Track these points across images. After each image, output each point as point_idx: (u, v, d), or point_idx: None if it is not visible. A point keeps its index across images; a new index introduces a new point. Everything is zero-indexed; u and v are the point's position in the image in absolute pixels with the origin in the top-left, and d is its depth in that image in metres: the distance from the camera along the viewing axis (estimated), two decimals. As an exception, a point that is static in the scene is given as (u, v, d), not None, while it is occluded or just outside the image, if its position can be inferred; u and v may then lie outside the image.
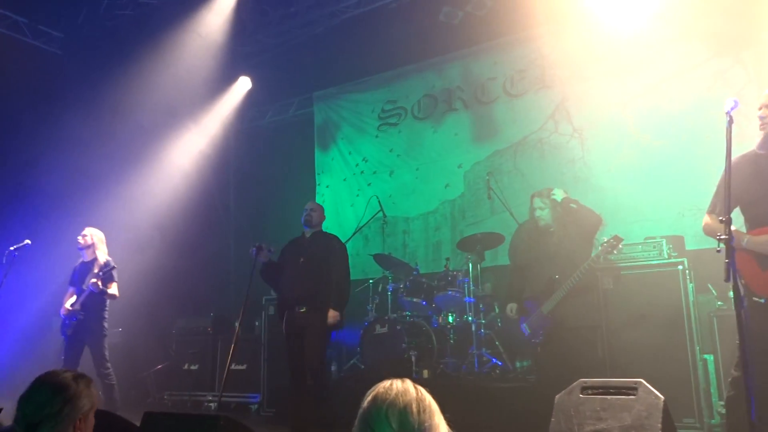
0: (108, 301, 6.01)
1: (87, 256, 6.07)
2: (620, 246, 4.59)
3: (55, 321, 7.85)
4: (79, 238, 6.08)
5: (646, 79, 6.71)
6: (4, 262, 5.79)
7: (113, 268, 5.98)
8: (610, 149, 6.82)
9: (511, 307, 4.92)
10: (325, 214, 7.94)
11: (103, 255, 6.02)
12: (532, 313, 4.77)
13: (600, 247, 4.56)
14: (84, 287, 5.81)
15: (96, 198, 7.76)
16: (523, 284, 4.94)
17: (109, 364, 5.88)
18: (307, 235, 5.42)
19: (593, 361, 4.47)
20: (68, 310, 5.87)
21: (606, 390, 2.47)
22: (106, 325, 5.99)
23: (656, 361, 4.70)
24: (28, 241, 5.93)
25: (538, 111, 7.43)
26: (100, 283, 5.77)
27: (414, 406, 1.57)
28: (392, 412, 1.56)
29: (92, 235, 6.12)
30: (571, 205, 4.77)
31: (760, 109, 3.02)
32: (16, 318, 6.61)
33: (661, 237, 5.32)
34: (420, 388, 1.65)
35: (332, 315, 5.07)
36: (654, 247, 5.17)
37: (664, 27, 6.58)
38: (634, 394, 2.37)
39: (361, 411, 1.61)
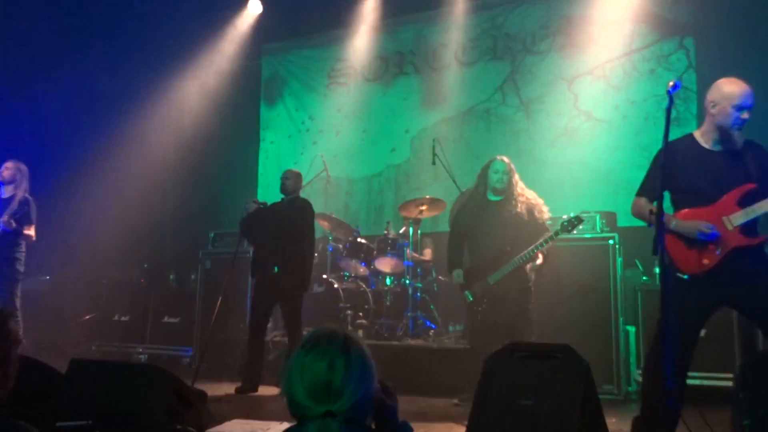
0: (23, 243, 5.70)
1: (6, 192, 5.72)
2: (580, 226, 4.60)
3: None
4: (3, 171, 5.72)
5: (593, 58, 6.84)
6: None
7: (31, 207, 5.67)
8: (554, 124, 6.96)
9: (458, 273, 4.84)
10: (269, 170, 7.88)
11: (23, 192, 5.70)
12: (476, 281, 4.74)
13: (560, 225, 4.52)
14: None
15: (35, 137, 7.44)
16: (463, 251, 4.93)
17: (18, 312, 5.60)
18: (284, 201, 5.61)
19: (524, 333, 4.57)
20: None
21: (534, 353, 2.56)
22: (20, 268, 5.68)
23: (582, 330, 4.89)
24: None
25: (487, 81, 7.48)
26: (13, 222, 5.47)
27: (336, 362, 1.44)
28: (309, 366, 1.44)
29: (17, 168, 5.76)
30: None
31: (743, 110, 3.07)
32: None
33: (596, 212, 5.49)
34: (351, 339, 1.52)
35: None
36: (588, 220, 5.32)
37: (615, 8, 6.72)
38: (560, 357, 2.47)
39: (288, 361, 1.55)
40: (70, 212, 7.55)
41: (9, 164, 5.78)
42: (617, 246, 5.19)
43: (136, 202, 8.25)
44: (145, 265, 7.79)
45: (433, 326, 6.18)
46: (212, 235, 7.27)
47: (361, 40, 8.22)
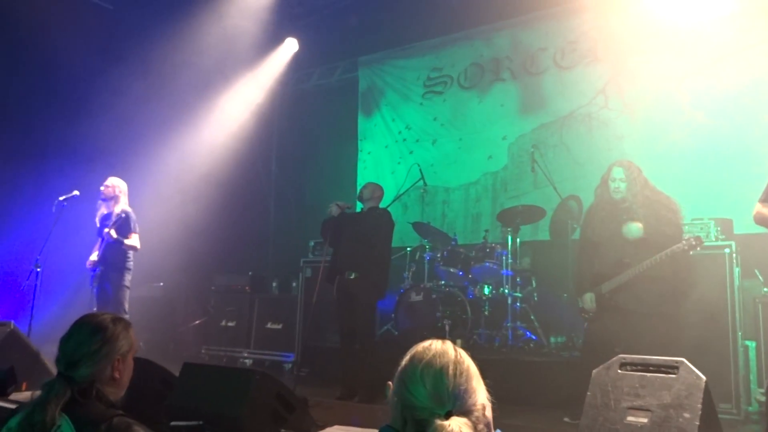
0: (130, 253, 6.02)
1: (110, 207, 6.07)
2: (698, 249, 4.19)
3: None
4: (102, 188, 6.07)
5: (702, 56, 6.45)
6: (53, 211, 5.93)
7: (130, 217, 5.98)
8: (660, 127, 6.62)
9: (591, 298, 4.45)
10: (367, 179, 7.96)
11: (120, 206, 6.03)
12: (591, 289, 4.48)
13: (681, 243, 4.16)
14: (104, 238, 5.89)
15: (142, 152, 7.90)
16: (593, 264, 4.58)
17: (127, 317, 5.88)
18: (364, 209, 5.73)
19: (638, 344, 4.30)
20: (92, 261, 5.97)
21: (646, 367, 2.42)
22: (128, 276, 6.00)
23: (697, 345, 4.59)
24: (76, 192, 6.04)
25: (587, 84, 7.23)
26: (113, 232, 5.78)
27: (451, 368, 1.52)
28: (428, 372, 1.52)
29: (115, 186, 6.10)
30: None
31: None
32: (64, 268, 6.81)
33: (709, 219, 5.16)
34: (460, 350, 1.60)
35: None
36: (701, 228, 5.02)
37: (724, 1, 6.31)
38: (675, 373, 2.32)
39: (398, 369, 1.59)
40: (182, 222, 7.95)
41: (109, 182, 6.13)
42: (734, 255, 4.86)
43: (242, 213, 8.61)
44: (250, 273, 8.09)
45: (534, 337, 6.02)
46: (312, 243, 7.47)
47: (457, 47, 8.18)
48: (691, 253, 4.26)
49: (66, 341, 2.00)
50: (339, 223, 5.63)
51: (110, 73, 7.63)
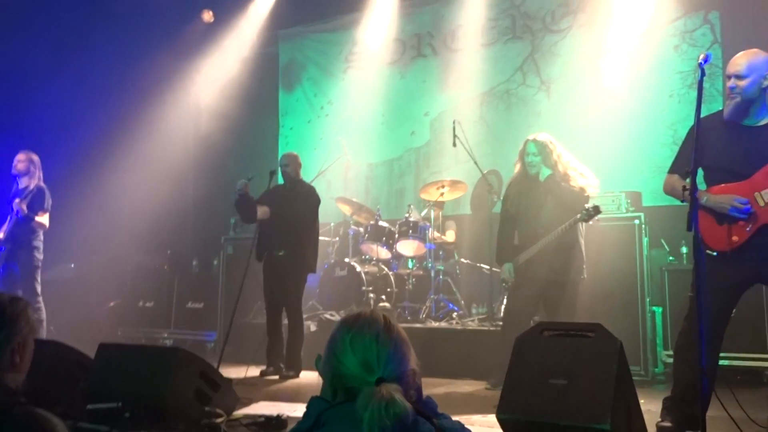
0: (40, 231, 5.78)
1: (22, 184, 5.79)
2: (597, 218, 4.50)
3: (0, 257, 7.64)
4: (16, 163, 5.78)
5: (616, 35, 6.71)
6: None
7: (44, 193, 5.74)
8: (576, 103, 6.85)
9: (510, 269, 4.65)
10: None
11: (35, 181, 5.76)
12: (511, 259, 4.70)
13: (579, 214, 4.42)
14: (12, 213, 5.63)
15: (52, 126, 7.49)
16: (513, 238, 4.79)
17: (39, 298, 5.73)
18: (287, 185, 5.60)
19: (555, 311, 4.52)
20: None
21: (565, 331, 2.52)
22: (38, 255, 5.76)
23: (609, 311, 4.84)
24: None
25: (506, 62, 7.39)
26: (24, 206, 5.54)
27: (381, 336, 1.52)
28: (357, 340, 1.52)
29: (28, 159, 5.81)
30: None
31: (729, 78, 3.03)
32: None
33: (621, 191, 5.41)
34: (389, 317, 1.60)
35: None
36: (613, 200, 5.26)
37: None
38: (592, 336, 2.43)
39: (328, 339, 1.59)
40: (94, 200, 7.61)
41: (21, 156, 5.83)
42: (643, 226, 5.12)
43: (159, 190, 8.29)
44: (169, 252, 7.85)
45: (456, 309, 6.15)
46: (233, 220, 7.30)
47: (378, 22, 8.13)
48: (590, 222, 4.56)
49: None
50: (260, 200, 5.52)
51: (15, 45, 7.15)
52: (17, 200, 5.57)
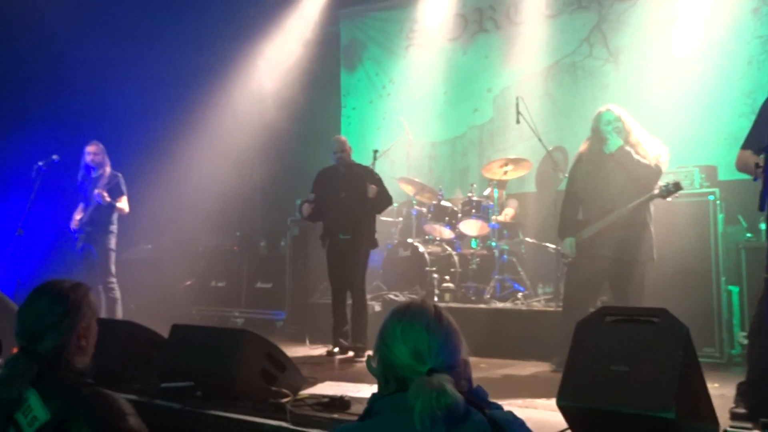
0: (116, 215, 6.06)
1: (97, 171, 6.07)
2: (677, 195, 4.25)
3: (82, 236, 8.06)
4: (90, 154, 6.05)
5: (687, 1, 6.37)
6: (33, 176, 5.86)
7: (120, 180, 6.02)
8: (646, 74, 6.56)
9: (570, 242, 4.48)
10: (352, 135, 7.90)
11: (109, 169, 6.07)
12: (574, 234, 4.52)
13: (656, 189, 4.20)
14: (91, 200, 5.89)
15: (124, 116, 7.78)
16: (576, 215, 4.63)
17: (114, 279, 6.02)
18: (341, 169, 5.55)
19: (621, 291, 4.37)
20: (77, 221, 5.99)
21: (628, 317, 2.45)
22: (113, 239, 6.05)
23: (680, 291, 4.66)
24: (55, 157, 5.96)
25: (572, 33, 7.14)
26: (106, 194, 5.81)
27: (431, 325, 1.53)
28: (408, 330, 1.53)
29: (101, 150, 6.10)
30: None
31: None
32: (44, 233, 6.76)
33: (694, 166, 5.17)
34: (439, 307, 1.61)
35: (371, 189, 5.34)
36: (686, 176, 5.03)
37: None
38: (656, 322, 2.35)
39: (379, 329, 1.60)
40: (166, 185, 7.88)
41: (94, 148, 6.09)
42: (718, 202, 4.88)
43: (227, 174, 8.53)
44: (238, 233, 8.07)
45: (522, 289, 6.08)
46: (299, 202, 7.40)
47: (439, -2, 8.01)
48: (669, 199, 4.30)
49: (25, 313, 1.92)
50: (316, 189, 5.58)
51: (89, 39, 7.44)
52: (98, 189, 5.84)
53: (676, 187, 4.14)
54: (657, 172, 4.31)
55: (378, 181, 5.47)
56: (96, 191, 5.83)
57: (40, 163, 5.90)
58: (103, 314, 5.87)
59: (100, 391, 1.82)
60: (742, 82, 6.08)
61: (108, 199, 5.85)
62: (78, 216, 6.04)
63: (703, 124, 6.16)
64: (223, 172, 8.40)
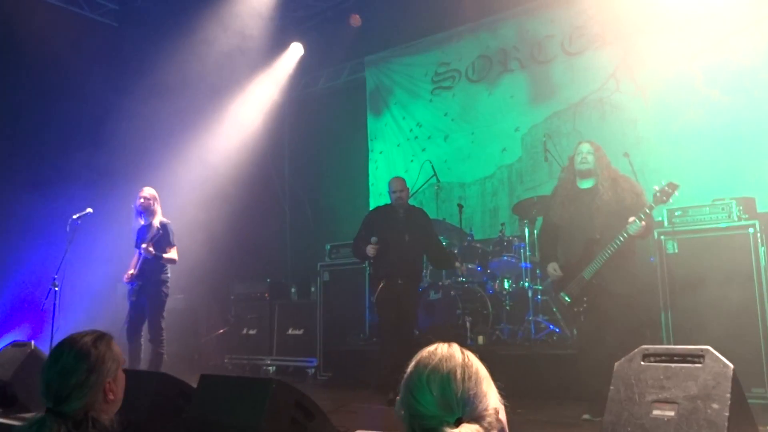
0: (167, 266, 5.94)
1: (147, 219, 5.94)
2: (676, 193, 4.03)
3: (120, 287, 8.13)
4: (140, 200, 5.92)
5: (714, 32, 6.30)
6: (68, 230, 5.92)
7: (168, 230, 5.89)
8: (674, 108, 6.47)
9: (554, 267, 4.45)
10: (379, 179, 7.92)
11: (158, 218, 5.92)
12: (570, 280, 4.38)
13: (652, 196, 4.05)
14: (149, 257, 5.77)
15: (155, 165, 7.93)
16: (555, 244, 4.57)
17: (163, 333, 5.83)
18: (401, 210, 5.50)
19: (649, 329, 4.22)
20: (129, 275, 5.87)
21: (670, 357, 2.33)
22: (165, 290, 5.89)
23: (724, 329, 4.46)
24: (89, 210, 6.03)
25: (598, 69, 7.11)
26: (152, 248, 5.69)
27: (458, 372, 1.43)
28: (434, 378, 1.43)
29: (153, 197, 5.97)
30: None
31: None
32: (81, 286, 6.84)
33: (731, 198, 5.02)
34: (468, 353, 1.51)
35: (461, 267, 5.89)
36: (723, 209, 4.88)
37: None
38: (700, 362, 2.22)
39: (404, 377, 1.52)
40: (198, 233, 7.96)
41: (146, 193, 5.97)
42: (759, 234, 4.70)
43: (257, 220, 8.59)
44: (268, 280, 8.07)
45: (557, 330, 5.91)
46: (328, 247, 7.42)
47: (463, 41, 8.08)
48: (670, 201, 4.08)
49: (48, 371, 1.86)
50: (374, 229, 5.49)
51: (121, 91, 7.67)
52: (144, 244, 5.73)
53: (672, 186, 3.98)
54: (641, 196, 4.25)
55: (432, 224, 5.70)
56: (142, 246, 5.73)
57: (75, 216, 5.95)
58: (144, 366, 5.73)
59: None
60: (775, 112, 5.94)
61: (153, 252, 5.71)
62: (131, 271, 5.89)
63: (737, 156, 6.01)
64: (252, 219, 8.47)
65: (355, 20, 8.07)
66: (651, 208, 4.08)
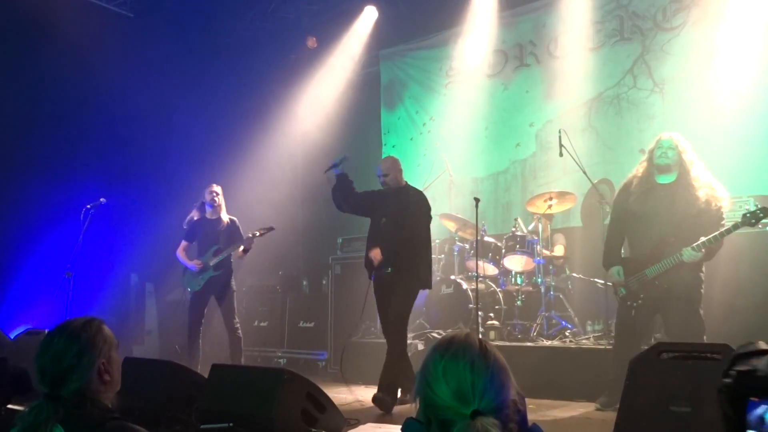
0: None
1: (216, 213, 6.17)
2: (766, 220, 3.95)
3: (133, 277, 8.18)
4: (212, 195, 6.13)
5: (733, 29, 6.20)
6: (81, 219, 5.99)
7: (238, 225, 6.30)
8: (693, 104, 6.39)
9: (617, 270, 4.31)
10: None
11: (224, 212, 6.21)
12: (632, 274, 4.28)
13: (741, 217, 3.92)
14: (231, 252, 6.05)
15: (170, 160, 7.96)
16: (622, 244, 4.42)
17: (238, 319, 6.23)
18: (392, 193, 5.00)
19: (692, 335, 4.08)
20: (205, 265, 6.05)
21: (687, 353, 2.29)
22: (234, 281, 6.28)
23: (743, 327, 4.40)
24: (103, 199, 6.09)
25: (615, 65, 7.03)
26: (242, 253, 6.08)
27: (476, 362, 1.39)
28: (450, 368, 1.39)
29: (221, 191, 6.23)
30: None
31: None
32: (92, 274, 6.88)
33: (749, 196, 4.96)
34: (486, 342, 1.47)
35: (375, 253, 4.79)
36: (741, 206, 4.82)
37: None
38: (718, 359, 2.19)
39: (420, 366, 1.50)
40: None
41: (216, 188, 6.22)
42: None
43: (269, 213, 8.57)
44: (280, 273, 8.08)
45: (570, 326, 5.87)
46: (340, 240, 7.42)
47: (478, 35, 8.02)
48: (759, 225, 4.07)
49: (41, 357, 1.88)
50: (364, 205, 5.07)
51: (137, 83, 7.69)
52: (241, 249, 6.06)
53: (765, 212, 3.85)
54: (719, 216, 4.07)
55: (426, 211, 4.95)
56: (237, 256, 6.09)
57: (89, 206, 6.03)
58: (228, 355, 6.18)
59: (125, 425, 1.79)
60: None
61: (243, 255, 6.13)
62: (199, 262, 6.08)
63: (756, 154, 5.92)
64: (265, 212, 8.46)
65: (312, 42, 8.52)
66: (735, 227, 3.93)
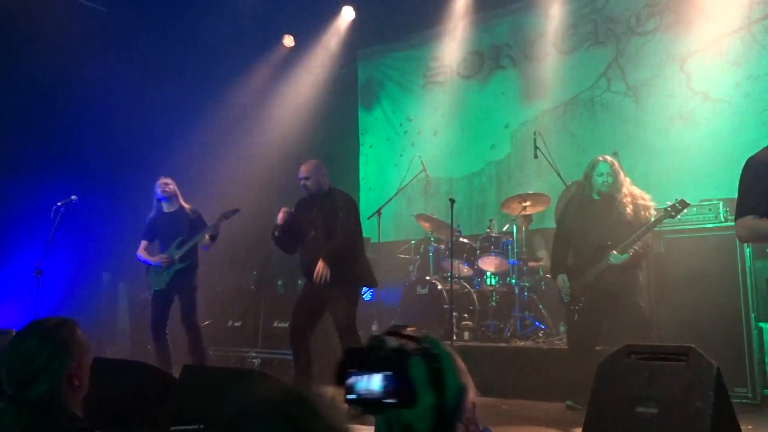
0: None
1: (173, 205, 5.88)
2: (685, 211, 4.34)
3: (105, 276, 8.05)
4: (163, 186, 5.81)
5: (705, 34, 6.32)
6: (52, 217, 5.87)
7: (201, 214, 6.04)
8: (665, 108, 6.50)
9: (563, 278, 4.63)
10: (369, 173, 7.82)
11: (182, 203, 5.91)
12: (575, 280, 4.59)
13: (662, 211, 4.30)
14: (197, 240, 5.79)
15: (147, 154, 7.86)
16: (568, 254, 4.74)
17: (198, 317, 5.99)
18: (317, 200, 4.75)
19: (637, 328, 4.30)
20: (170, 259, 5.72)
21: (654, 355, 2.33)
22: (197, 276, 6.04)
23: (708, 329, 4.50)
24: (74, 197, 5.97)
25: (589, 68, 7.12)
26: (209, 240, 5.85)
27: None
28: None
29: (172, 181, 5.91)
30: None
31: None
32: (62, 273, 6.77)
33: (718, 199, 5.05)
34: (443, 345, 1.49)
35: (319, 265, 4.52)
36: (710, 209, 4.91)
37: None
38: (684, 360, 2.23)
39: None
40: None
41: (168, 180, 5.89)
42: (744, 235, 4.72)
43: (244, 212, 8.52)
44: (255, 272, 8.02)
45: (543, 326, 5.92)
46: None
47: (455, 36, 8.06)
48: (679, 217, 4.43)
49: (11, 357, 1.77)
50: (292, 223, 4.76)
51: (110, 78, 7.58)
52: (207, 239, 5.83)
53: (683, 204, 4.23)
54: (647, 221, 4.40)
55: (351, 207, 4.75)
56: (204, 243, 5.83)
57: (59, 204, 5.90)
58: (188, 352, 5.84)
59: None
60: (763, 115, 5.97)
61: (212, 242, 5.88)
62: (164, 257, 5.76)
63: (725, 158, 6.03)
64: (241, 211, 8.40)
65: (289, 41, 8.70)
66: (657, 221, 4.33)
